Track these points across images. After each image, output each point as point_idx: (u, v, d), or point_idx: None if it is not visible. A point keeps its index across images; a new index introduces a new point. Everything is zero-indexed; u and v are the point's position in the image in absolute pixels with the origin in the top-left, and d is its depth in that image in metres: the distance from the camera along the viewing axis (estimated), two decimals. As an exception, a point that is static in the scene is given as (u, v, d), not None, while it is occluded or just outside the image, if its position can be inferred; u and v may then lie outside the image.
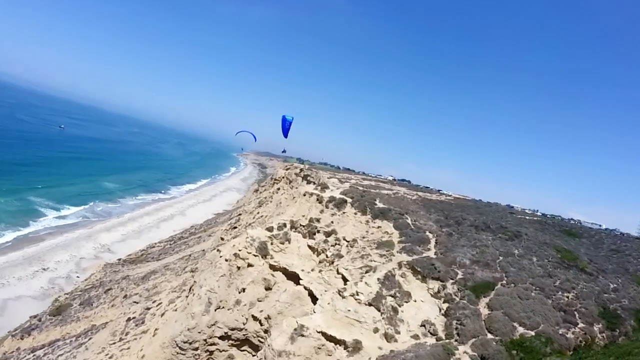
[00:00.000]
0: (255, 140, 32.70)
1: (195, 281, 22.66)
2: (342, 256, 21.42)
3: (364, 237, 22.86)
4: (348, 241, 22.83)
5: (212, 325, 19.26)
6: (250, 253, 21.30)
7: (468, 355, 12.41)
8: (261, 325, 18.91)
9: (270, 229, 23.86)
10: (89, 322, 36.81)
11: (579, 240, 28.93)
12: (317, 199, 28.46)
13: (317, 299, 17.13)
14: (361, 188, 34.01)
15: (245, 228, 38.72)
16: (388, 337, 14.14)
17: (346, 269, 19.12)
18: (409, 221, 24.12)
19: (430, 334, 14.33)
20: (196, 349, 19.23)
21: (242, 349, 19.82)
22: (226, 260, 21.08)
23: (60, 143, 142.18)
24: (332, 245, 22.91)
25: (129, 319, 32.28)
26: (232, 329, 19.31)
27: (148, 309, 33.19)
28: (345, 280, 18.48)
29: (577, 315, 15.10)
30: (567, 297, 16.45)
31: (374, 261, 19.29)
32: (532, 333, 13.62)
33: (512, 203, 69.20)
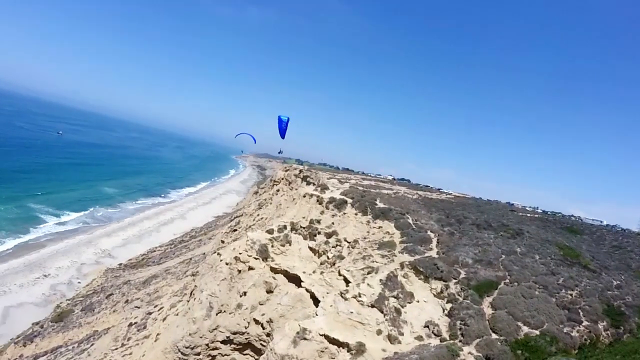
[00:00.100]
0: (255, 142, 32.63)
1: (196, 285, 22.54)
2: (343, 257, 21.31)
3: (365, 238, 22.75)
4: (349, 242, 22.73)
5: (214, 329, 19.13)
6: (250, 256, 21.18)
7: (473, 356, 12.29)
8: (263, 328, 18.79)
9: (270, 232, 23.75)
10: (91, 328, 36.65)
11: (581, 237, 28.85)
12: (317, 200, 28.36)
13: (319, 302, 17.01)
14: (361, 188, 33.93)
15: (246, 231, 38.61)
16: (391, 339, 14.01)
17: (348, 271, 19.01)
18: (410, 221, 24.02)
19: (434, 334, 14.21)
20: (198, 354, 19.10)
21: (245, 352, 19.68)
22: (227, 263, 20.96)
23: (59, 149, 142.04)
24: (333, 247, 22.80)
25: (130, 324, 32.14)
26: (234, 333, 19.18)
27: (149, 313, 33.05)
28: (347, 281, 18.37)
29: (581, 313, 14.99)
30: (571, 294, 16.34)
31: (376, 262, 19.19)
32: (537, 332, 13.50)
33: (512, 200, 69.13)
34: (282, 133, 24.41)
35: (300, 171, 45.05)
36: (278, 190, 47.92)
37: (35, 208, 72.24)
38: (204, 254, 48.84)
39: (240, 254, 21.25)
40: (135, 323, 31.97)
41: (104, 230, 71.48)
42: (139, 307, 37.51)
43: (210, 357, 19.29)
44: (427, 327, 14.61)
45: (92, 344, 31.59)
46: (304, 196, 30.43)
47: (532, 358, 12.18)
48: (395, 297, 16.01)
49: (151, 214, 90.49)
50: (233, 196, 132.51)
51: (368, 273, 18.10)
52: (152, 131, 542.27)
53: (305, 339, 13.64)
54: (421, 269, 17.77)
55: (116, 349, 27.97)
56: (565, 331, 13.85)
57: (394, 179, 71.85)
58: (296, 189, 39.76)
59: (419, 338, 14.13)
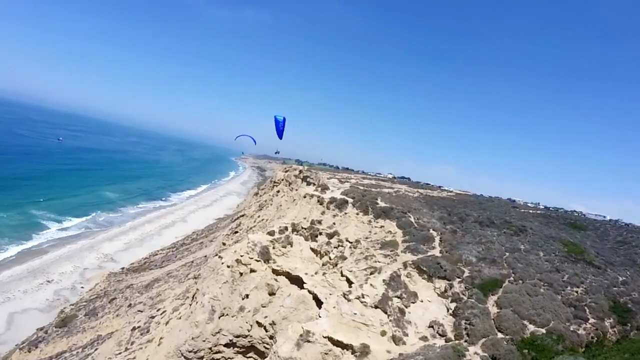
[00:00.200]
0: (255, 143, 32.62)
1: (198, 289, 22.45)
2: (345, 258, 21.16)
3: (367, 238, 22.59)
4: (351, 242, 22.57)
5: (217, 333, 19.03)
6: (252, 258, 21.07)
7: (479, 356, 12.13)
8: (266, 331, 18.67)
9: (271, 233, 23.63)
10: (95, 333, 36.67)
11: (585, 233, 28.60)
12: (318, 201, 28.22)
13: (322, 303, 16.88)
14: (362, 187, 33.77)
15: (247, 232, 38.50)
16: (396, 340, 13.87)
17: (350, 271, 18.86)
18: (412, 219, 23.84)
19: (439, 335, 14.05)
20: (201, 357, 19.01)
21: (248, 355, 19.58)
22: (228, 266, 20.86)
23: (59, 155, 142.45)
24: (335, 247, 22.65)
25: (134, 328, 32.08)
26: (237, 336, 19.07)
27: (152, 317, 32.99)
28: (349, 282, 18.22)
29: (587, 311, 14.81)
30: (577, 292, 16.15)
31: (379, 262, 19.03)
32: (543, 331, 13.33)
33: (512, 197, 68.78)
34: (280, 133, 24.35)
35: (300, 171, 44.92)
36: (278, 191, 47.83)
37: (37, 214, 72.44)
38: (206, 256, 48.78)
39: (241, 256, 21.15)
40: (139, 327, 31.92)
41: (106, 235, 71.60)
42: (142, 311, 37.47)
43: (214, 361, 19.21)
44: (432, 327, 14.46)
45: (96, 349, 31.57)
46: (305, 197, 30.30)
47: (539, 357, 12.01)
48: (398, 297, 15.86)
49: (152, 217, 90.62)
50: (233, 198, 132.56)
51: (371, 273, 17.95)
52: (151, 135, 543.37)
53: (308, 341, 13.52)
54: (424, 268, 17.61)
55: (120, 353, 27.91)
56: (571, 329, 13.67)
57: (394, 178, 71.67)
58: (296, 190, 39.64)
59: (424, 338, 13.98)
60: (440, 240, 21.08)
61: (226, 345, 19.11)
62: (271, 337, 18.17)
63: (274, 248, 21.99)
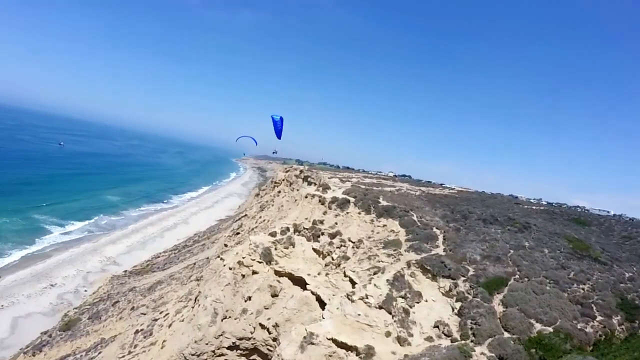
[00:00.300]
0: (257, 144, 32.60)
1: (200, 291, 22.33)
2: (348, 258, 20.99)
3: (369, 237, 22.40)
4: (354, 242, 22.40)
5: (220, 335, 18.91)
6: (254, 260, 20.94)
7: (485, 357, 11.94)
8: (269, 333, 18.54)
9: (273, 234, 23.49)
10: (98, 336, 36.65)
11: (589, 229, 28.33)
12: (320, 201, 28.06)
13: (325, 304, 16.72)
14: (363, 186, 33.59)
15: (248, 234, 38.39)
16: (401, 341, 13.70)
17: (353, 271, 18.69)
18: (414, 218, 23.63)
19: (445, 335, 13.86)
20: (205, 360, 18.89)
21: (251, 358, 19.46)
22: (230, 268, 20.73)
23: (61, 160, 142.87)
24: (337, 247, 22.49)
25: (137, 331, 32.05)
26: (240, 339, 18.95)
27: (155, 320, 32.93)
28: (353, 283, 18.05)
29: (594, 308, 14.59)
30: (583, 289, 15.93)
31: (382, 262, 18.84)
32: (550, 329, 13.11)
33: (514, 193, 68.33)
34: (279, 133, 24.24)
35: (301, 171, 44.75)
36: (279, 192, 47.70)
37: (40, 219, 72.64)
38: (208, 258, 48.72)
39: (243, 258, 21.02)
40: (142, 330, 31.88)
41: (109, 238, 71.69)
42: (144, 314, 37.44)
43: (217, 364, 19.09)
44: (437, 327, 14.27)
45: (99, 352, 31.55)
46: (306, 197, 30.13)
47: (547, 357, 11.80)
48: (403, 297, 15.68)
49: (154, 220, 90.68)
50: (235, 199, 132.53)
51: (374, 273, 17.78)
52: (151, 138, 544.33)
53: (312, 343, 13.37)
54: (428, 267, 17.40)
55: (123, 356, 27.87)
56: (579, 327, 13.46)
57: (395, 176, 71.42)
58: (297, 190, 39.49)
59: (429, 339, 13.80)
60: (444, 239, 20.87)
61: (229, 348, 18.99)
62: (274, 340, 18.04)
63: (276, 249, 21.85)
